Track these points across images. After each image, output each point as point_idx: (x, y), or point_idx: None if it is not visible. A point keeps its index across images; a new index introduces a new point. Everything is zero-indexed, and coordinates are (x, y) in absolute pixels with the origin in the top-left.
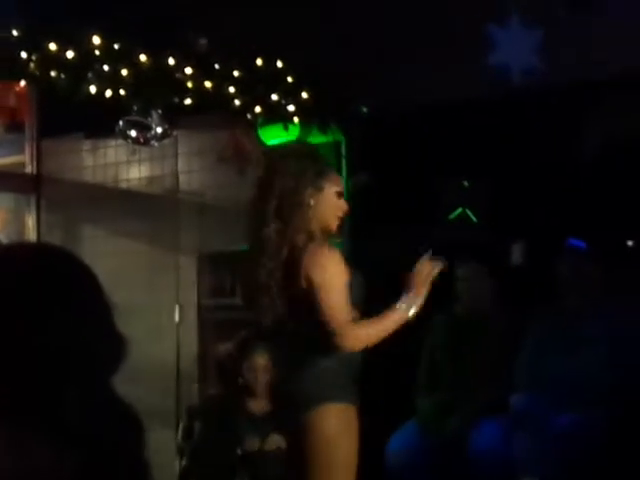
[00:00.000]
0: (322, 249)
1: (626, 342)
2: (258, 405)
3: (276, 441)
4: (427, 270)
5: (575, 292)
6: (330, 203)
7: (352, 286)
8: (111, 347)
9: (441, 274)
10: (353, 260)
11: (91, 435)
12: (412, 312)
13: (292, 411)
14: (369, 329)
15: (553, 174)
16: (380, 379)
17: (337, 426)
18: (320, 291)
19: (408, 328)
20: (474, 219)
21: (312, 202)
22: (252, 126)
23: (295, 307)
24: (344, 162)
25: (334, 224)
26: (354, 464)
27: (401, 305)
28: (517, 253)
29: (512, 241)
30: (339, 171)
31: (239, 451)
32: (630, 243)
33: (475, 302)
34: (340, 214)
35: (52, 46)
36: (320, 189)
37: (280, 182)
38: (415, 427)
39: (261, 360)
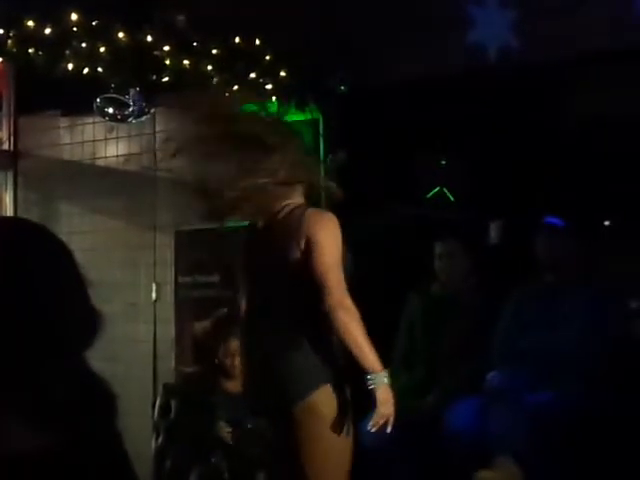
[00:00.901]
0: (324, 213)
1: (603, 318)
2: (235, 385)
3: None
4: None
5: (553, 269)
6: None
7: (344, 260)
8: (86, 322)
9: (419, 251)
10: None
11: (66, 409)
12: (378, 381)
13: (288, 395)
14: (357, 322)
15: (530, 151)
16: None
17: (336, 407)
18: (319, 249)
19: (385, 305)
20: (451, 198)
21: None
22: None
23: (288, 274)
24: (322, 140)
25: None
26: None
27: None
28: (495, 231)
29: (490, 219)
30: (316, 148)
31: (216, 430)
32: (607, 221)
33: (453, 279)
34: None
35: (30, 23)
36: None
37: None
38: None
39: (237, 343)
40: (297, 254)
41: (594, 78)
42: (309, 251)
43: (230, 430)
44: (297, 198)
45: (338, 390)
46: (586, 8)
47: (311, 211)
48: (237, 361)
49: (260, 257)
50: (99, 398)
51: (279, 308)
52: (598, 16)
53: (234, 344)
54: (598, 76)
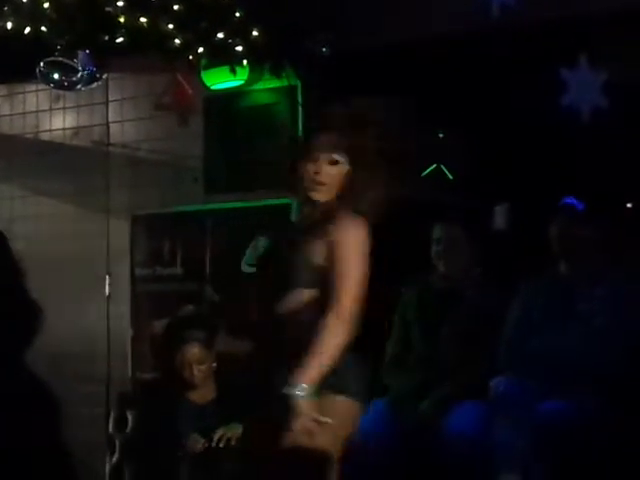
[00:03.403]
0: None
1: (626, 316)
2: (199, 395)
3: (230, 434)
4: None
5: (568, 258)
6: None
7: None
8: (23, 318)
9: (412, 238)
10: None
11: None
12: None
13: None
14: (340, 337)
15: (543, 123)
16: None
17: None
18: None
19: (379, 296)
20: (450, 176)
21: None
22: (194, 68)
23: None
24: (300, 109)
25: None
26: None
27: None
28: (500, 215)
29: (494, 201)
30: (294, 120)
31: (182, 447)
32: (630, 202)
33: (453, 268)
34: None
35: None
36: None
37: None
38: (385, 408)
39: (195, 350)
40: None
41: (619, 40)
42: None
43: (204, 442)
44: None
45: None
46: None
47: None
48: (197, 370)
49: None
50: (39, 402)
51: None
52: None
53: (193, 351)
54: (623, 37)
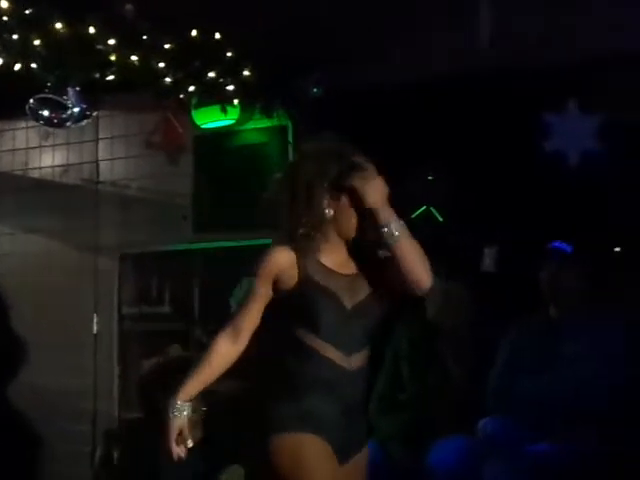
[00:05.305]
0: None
1: (613, 359)
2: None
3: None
4: None
5: (557, 301)
6: (349, 212)
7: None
8: (6, 352)
9: None
10: None
11: None
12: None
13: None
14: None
15: (532, 167)
16: None
17: None
18: None
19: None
20: (439, 218)
21: (330, 212)
22: (185, 107)
23: None
24: (291, 150)
25: (352, 232)
26: None
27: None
28: (489, 257)
29: (484, 244)
30: (285, 159)
31: None
32: (618, 247)
33: (445, 317)
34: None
35: None
36: (337, 198)
37: (296, 187)
38: (374, 447)
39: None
40: None
41: (615, 82)
42: None
43: None
44: None
45: None
46: None
47: None
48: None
49: None
50: (21, 438)
51: None
52: None
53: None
54: (619, 80)
